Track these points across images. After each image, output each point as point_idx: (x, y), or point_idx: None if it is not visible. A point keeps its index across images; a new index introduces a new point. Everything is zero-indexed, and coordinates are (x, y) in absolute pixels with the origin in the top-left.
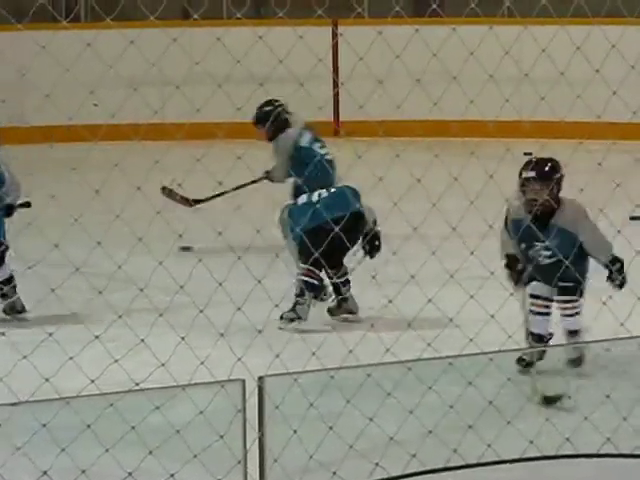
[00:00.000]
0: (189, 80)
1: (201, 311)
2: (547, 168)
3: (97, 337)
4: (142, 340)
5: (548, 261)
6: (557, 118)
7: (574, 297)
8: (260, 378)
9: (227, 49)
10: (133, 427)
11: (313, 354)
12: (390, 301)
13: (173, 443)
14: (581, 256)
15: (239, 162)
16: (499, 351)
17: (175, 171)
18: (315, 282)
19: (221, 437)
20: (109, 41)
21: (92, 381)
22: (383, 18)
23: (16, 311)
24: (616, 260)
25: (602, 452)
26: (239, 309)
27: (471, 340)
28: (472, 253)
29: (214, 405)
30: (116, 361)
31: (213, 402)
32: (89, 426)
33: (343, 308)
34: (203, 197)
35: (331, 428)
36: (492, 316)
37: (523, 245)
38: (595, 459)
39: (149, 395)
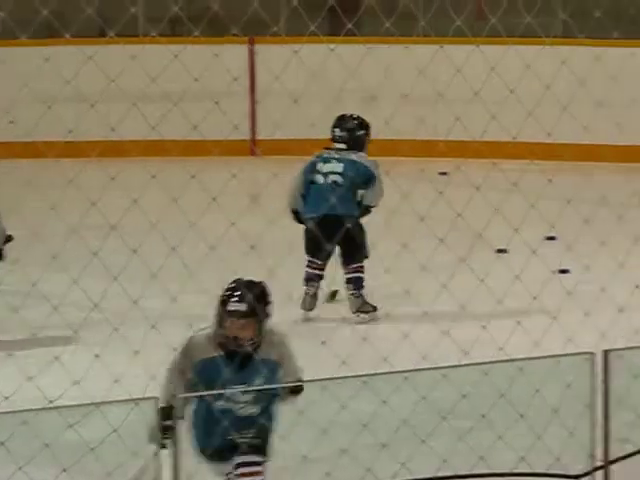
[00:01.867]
0: (104, 98)
1: (115, 329)
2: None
3: (11, 355)
4: (56, 358)
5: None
6: (472, 138)
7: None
8: (174, 396)
9: (142, 67)
10: (47, 445)
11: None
12: (307, 319)
13: (87, 461)
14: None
15: (153, 180)
16: (413, 370)
17: (91, 190)
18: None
19: (134, 455)
20: (24, 58)
21: (6, 398)
22: (299, 37)
23: None
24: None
25: (516, 471)
26: (153, 327)
27: (385, 359)
28: (388, 271)
29: (128, 422)
30: (30, 378)
31: (127, 420)
32: (2, 443)
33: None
34: None
35: None
36: (406, 335)
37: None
38: (509, 478)
39: (63, 412)
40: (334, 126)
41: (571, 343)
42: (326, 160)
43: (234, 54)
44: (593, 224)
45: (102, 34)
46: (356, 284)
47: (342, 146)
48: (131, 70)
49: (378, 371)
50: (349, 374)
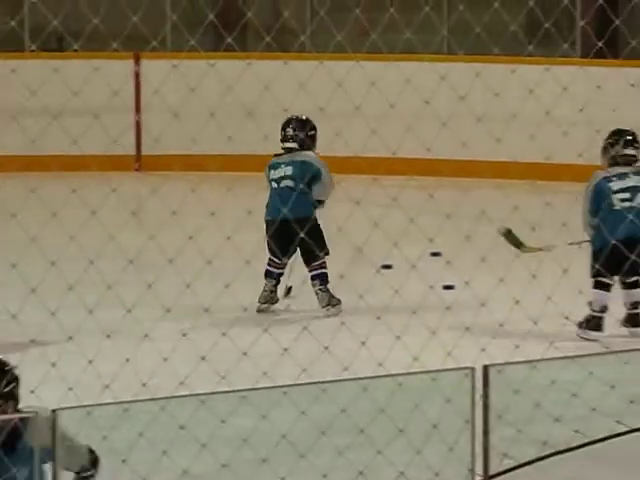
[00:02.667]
0: None
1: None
2: None
3: None
4: None
5: None
6: (352, 153)
7: None
8: (54, 411)
9: (23, 81)
10: None
11: (106, 387)
12: (184, 334)
13: None
14: None
15: (32, 195)
16: (292, 385)
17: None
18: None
19: (18, 471)
20: None
21: None
22: (182, 52)
23: None
24: None
25: None
26: (32, 341)
27: (265, 374)
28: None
29: None
30: None
31: None
32: None
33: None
34: None
35: (124, 461)
36: (286, 349)
37: None
38: None
39: None
40: (285, 126)
41: (451, 358)
42: (275, 166)
43: (118, 69)
44: (473, 240)
45: None
46: (322, 280)
47: (294, 145)
48: (11, 84)
49: (258, 386)
50: (229, 389)
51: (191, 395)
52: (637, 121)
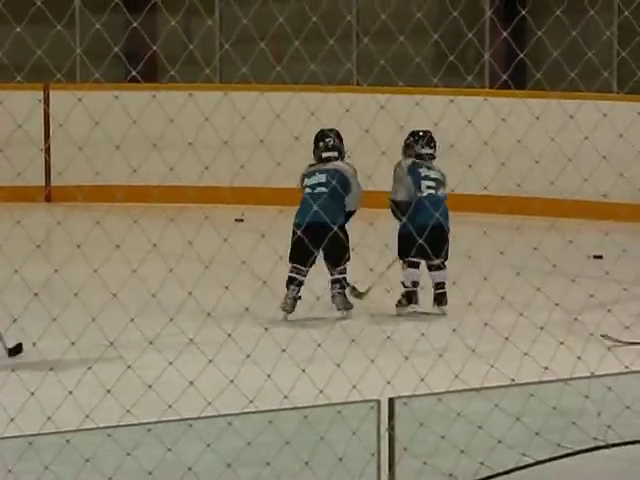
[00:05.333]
0: None
1: None
2: None
3: None
4: None
5: None
6: (258, 184)
7: None
8: None
9: None
10: None
11: (12, 420)
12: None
13: None
14: None
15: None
16: (198, 418)
17: None
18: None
19: None
20: None
21: None
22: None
23: None
24: None
25: None
26: None
27: (170, 406)
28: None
29: None
30: None
31: None
32: None
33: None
34: None
35: None
36: (191, 382)
37: None
38: None
39: None
40: (324, 137)
41: (356, 391)
42: (310, 174)
43: (26, 100)
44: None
45: None
46: (341, 284)
47: (334, 154)
48: None
49: (164, 418)
50: (135, 422)
51: (96, 428)
52: (542, 151)
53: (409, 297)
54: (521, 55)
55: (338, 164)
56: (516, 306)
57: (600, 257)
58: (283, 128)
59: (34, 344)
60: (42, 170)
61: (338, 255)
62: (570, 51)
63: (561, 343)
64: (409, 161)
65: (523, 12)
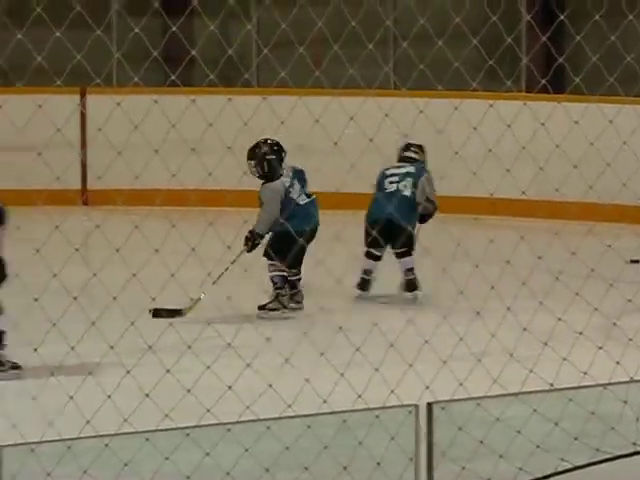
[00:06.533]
0: None
1: None
2: None
3: None
4: None
5: None
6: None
7: None
8: None
9: None
10: None
11: (51, 424)
12: (128, 371)
13: None
14: None
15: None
16: (237, 422)
17: None
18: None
19: None
20: None
21: None
22: (128, 87)
23: None
24: None
25: None
26: None
27: (208, 411)
28: (209, 324)
29: None
30: None
31: None
32: None
33: (294, 300)
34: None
35: None
36: (229, 387)
37: None
38: None
39: None
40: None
41: (395, 395)
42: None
43: (64, 104)
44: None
45: None
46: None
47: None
48: None
49: (202, 423)
50: (173, 426)
51: (136, 432)
52: (581, 155)
53: (362, 284)
54: (560, 60)
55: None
56: (555, 311)
57: (638, 261)
58: (322, 132)
59: (73, 348)
60: (79, 174)
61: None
62: (609, 55)
63: (600, 348)
64: (383, 168)
65: (562, 17)
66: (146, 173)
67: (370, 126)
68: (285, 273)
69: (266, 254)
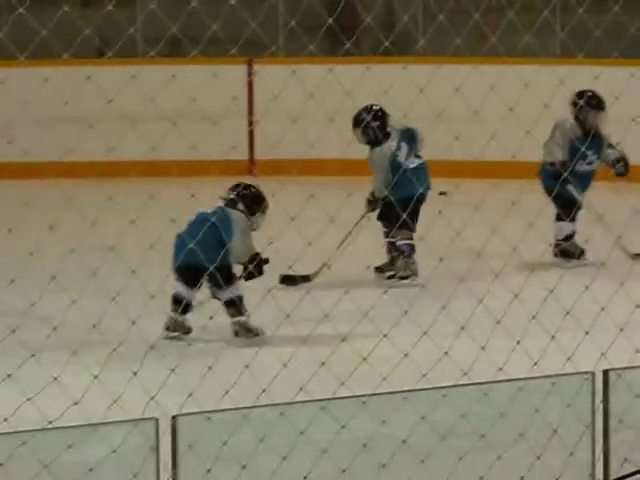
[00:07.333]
0: (103, 118)
1: (114, 349)
2: None
3: (10, 375)
4: (55, 378)
5: None
6: (472, 157)
7: None
8: (174, 417)
9: (141, 87)
10: (46, 466)
11: (226, 393)
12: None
13: None
14: None
15: (152, 201)
16: (412, 390)
17: (89, 210)
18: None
19: (134, 476)
20: (22, 79)
21: (5, 419)
22: (297, 57)
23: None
24: None
25: None
26: (152, 347)
27: (384, 379)
28: (385, 292)
29: (127, 444)
30: (29, 399)
31: (126, 441)
32: (1, 464)
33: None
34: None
35: (244, 467)
36: (406, 355)
37: None
38: None
39: (62, 434)
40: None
41: (571, 363)
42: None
43: (231, 74)
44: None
45: (100, 54)
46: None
47: None
48: (129, 90)
49: (377, 391)
50: (348, 394)
51: (311, 401)
52: None
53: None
54: None
55: None
56: None
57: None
58: (497, 100)
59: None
60: (247, 144)
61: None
62: None
63: None
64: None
65: None
66: (320, 142)
67: (545, 94)
68: (412, 241)
69: (385, 221)
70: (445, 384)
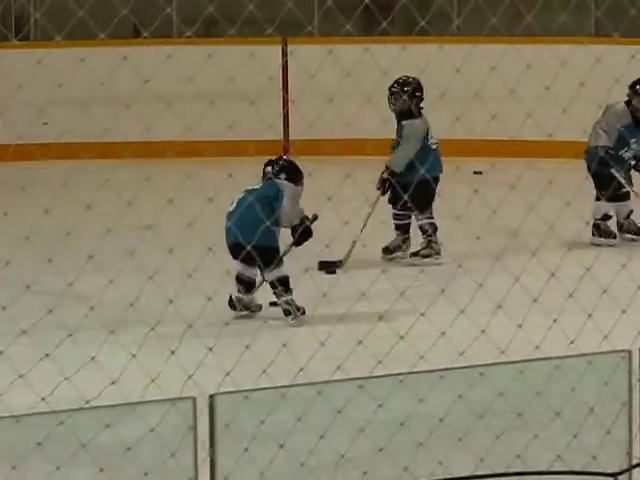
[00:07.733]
0: (139, 98)
1: (152, 328)
2: None
3: (47, 355)
4: (92, 358)
5: None
6: (508, 136)
7: None
8: (211, 396)
9: (177, 67)
10: (84, 445)
11: (264, 372)
12: (340, 319)
13: (124, 461)
14: None
15: (189, 181)
16: (450, 368)
17: (125, 190)
18: None
19: (172, 455)
20: (59, 59)
21: (42, 399)
22: (333, 37)
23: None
24: None
25: (553, 469)
26: (190, 326)
27: (422, 357)
28: (422, 271)
29: (165, 423)
30: (66, 379)
31: (164, 420)
32: (39, 444)
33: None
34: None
35: (282, 446)
36: (443, 333)
37: None
38: (546, 476)
39: (99, 413)
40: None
41: (607, 341)
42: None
43: (267, 54)
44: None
45: (137, 34)
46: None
47: None
48: (166, 70)
49: (415, 370)
50: (386, 373)
51: (348, 379)
52: None
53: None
54: None
55: None
56: None
57: None
58: (533, 79)
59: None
60: (282, 124)
61: None
62: None
63: None
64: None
65: None
66: (357, 122)
67: (581, 74)
68: (434, 220)
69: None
70: (482, 362)
